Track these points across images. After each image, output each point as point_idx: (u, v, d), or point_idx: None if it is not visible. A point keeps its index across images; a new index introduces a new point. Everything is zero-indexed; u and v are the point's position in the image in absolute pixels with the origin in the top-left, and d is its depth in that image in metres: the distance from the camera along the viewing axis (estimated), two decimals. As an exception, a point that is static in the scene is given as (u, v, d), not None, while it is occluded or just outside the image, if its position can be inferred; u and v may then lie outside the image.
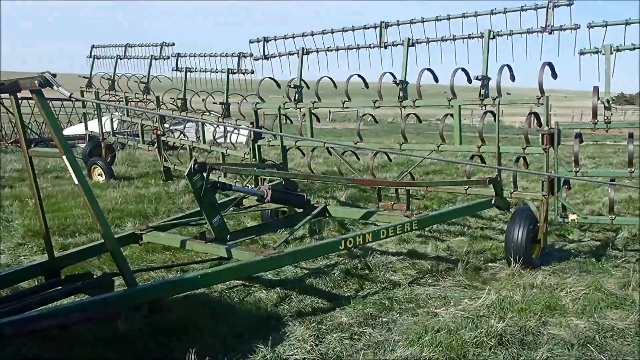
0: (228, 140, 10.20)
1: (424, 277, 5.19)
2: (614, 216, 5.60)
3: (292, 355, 3.45)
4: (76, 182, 3.31)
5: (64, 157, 3.28)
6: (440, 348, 3.47)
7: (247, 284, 4.85)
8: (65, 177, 11.05)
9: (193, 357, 3.14)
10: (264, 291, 4.71)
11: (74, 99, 4.61)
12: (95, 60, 11.17)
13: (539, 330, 3.89)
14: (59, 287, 3.92)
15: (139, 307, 3.75)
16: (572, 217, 5.69)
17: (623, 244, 6.36)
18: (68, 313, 3.21)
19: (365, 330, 3.93)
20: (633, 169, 5.41)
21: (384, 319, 4.17)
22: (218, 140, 9.62)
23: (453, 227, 7.10)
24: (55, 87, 3.20)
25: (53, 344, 3.54)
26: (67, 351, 3.50)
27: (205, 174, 4.52)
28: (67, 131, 18.62)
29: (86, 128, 11.18)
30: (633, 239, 6.49)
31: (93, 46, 11.28)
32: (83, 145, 16.26)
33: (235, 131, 11.48)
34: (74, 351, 3.50)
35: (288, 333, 3.78)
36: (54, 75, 3.17)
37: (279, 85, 7.75)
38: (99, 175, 10.40)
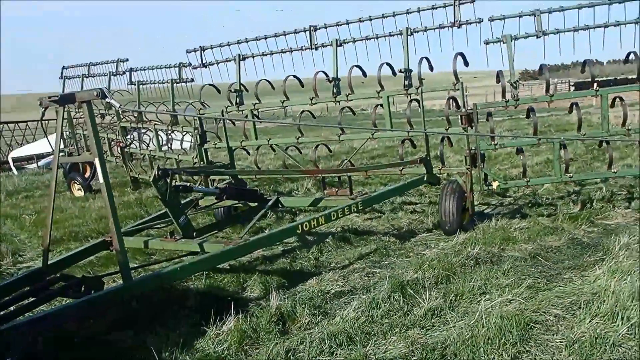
0: (172, 146, 10.97)
1: (405, 233, 6.48)
2: (528, 179, 6.61)
3: (332, 289, 4.60)
4: (101, 181, 3.81)
5: (96, 159, 3.84)
6: (437, 269, 4.74)
7: (266, 254, 5.89)
8: (35, 196, 11.53)
9: (272, 296, 4.22)
10: (282, 259, 5.77)
11: (122, 109, 5.28)
12: (66, 80, 11.62)
13: (501, 254, 5.26)
14: (54, 288, 4.13)
15: None
16: (494, 184, 6.62)
17: (544, 194, 7.96)
18: (74, 311, 3.59)
19: (375, 270, 5.15)
20: (540, 137, 6.84)
21: (385, 262, 5.42)
22: (163, 148, 10.30)
23: (415, 197, 8.44)
24: (109, 98, 3.87)
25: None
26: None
27: (168, 179, 4.89)
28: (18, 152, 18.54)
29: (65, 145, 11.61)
30: (555, 192, 8.10)
31: (64, 67, 11.74)
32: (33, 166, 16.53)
33: (178, 138, 12.28)
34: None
35: (322, 278, 4.92)
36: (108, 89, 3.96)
37: (218, 91, 8.27)
38: (78, 190, 10.88)
